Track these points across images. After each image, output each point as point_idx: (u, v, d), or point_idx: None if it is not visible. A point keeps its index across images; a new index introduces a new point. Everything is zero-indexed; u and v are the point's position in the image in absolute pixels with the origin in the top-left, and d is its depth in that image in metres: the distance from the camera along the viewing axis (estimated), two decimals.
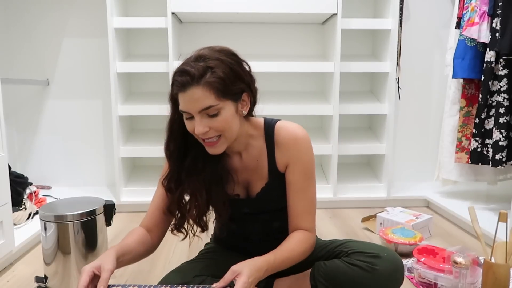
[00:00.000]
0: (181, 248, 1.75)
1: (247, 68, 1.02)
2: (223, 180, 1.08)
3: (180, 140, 1.06)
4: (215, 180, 1.07)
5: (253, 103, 1.06)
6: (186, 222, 1.09)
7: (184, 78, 0.93)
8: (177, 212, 1.10)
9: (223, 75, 0.94)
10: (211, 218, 1.14)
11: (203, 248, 1.30)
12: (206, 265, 1.11)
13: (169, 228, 1.13)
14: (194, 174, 1.05)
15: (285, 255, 1.02)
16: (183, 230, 1.10)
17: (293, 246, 1.04)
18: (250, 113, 1.07)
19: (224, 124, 0.96)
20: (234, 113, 0.99)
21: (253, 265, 0.93)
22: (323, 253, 1.16)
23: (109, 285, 0.91)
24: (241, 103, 1.01)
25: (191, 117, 0.97)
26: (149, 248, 1.09)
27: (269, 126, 1.10)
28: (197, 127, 0.95)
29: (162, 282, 1.06)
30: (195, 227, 1.09)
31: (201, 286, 0.98)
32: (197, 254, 1.26)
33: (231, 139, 1.02)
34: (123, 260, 0.98)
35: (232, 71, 0.96)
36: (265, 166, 1.10)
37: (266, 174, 1.11)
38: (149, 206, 1.13)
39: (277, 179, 1.10)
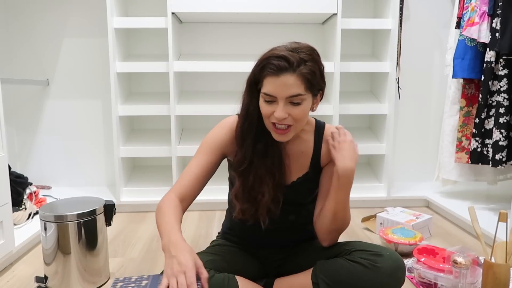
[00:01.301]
0: None
1: (324, 70, 1.09)
2: (284, 167, 1.14)
3: (255, 126, 1.10)
4: (280, 165, 1.13)
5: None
6: (254, 207, 1.11)
7: (282, 63, 0.98)
8: (241, 198, 1.12)
9: (314, 69, 1.02)
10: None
11: (208, 246, 1.31)
12: (211, 259, 1.11)
13: (233, 215, 1.15)
14: (265, 159, 1.10)
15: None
16: (251, 217, 1.12)
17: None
18: None
19: (301, 114, 1.04)
20: (309, 107, 1.07)
21: None
22: (326, 252, 1.17)
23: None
24: (316, 100, 1.09)
25: (272, 102, 1.02)
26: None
27: (320, 125, 1.22)
28: (278, 112, 1.01)
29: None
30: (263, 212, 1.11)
31: None
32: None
33: (299, 130, 1.10)
34: None
35: (319, 69, 1.05)
36: (309, 158, 1.18)
37: (307, 165, 1.18)
38: (183, 175, 1.12)
39: (315, 172, 1.18)
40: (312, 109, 1.10)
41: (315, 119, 1.24)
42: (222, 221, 1.39)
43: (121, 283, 0.95)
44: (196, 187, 1.12)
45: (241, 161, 1.12)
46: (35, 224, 1.82)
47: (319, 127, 1.21)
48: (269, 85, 1.01)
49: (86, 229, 1.34)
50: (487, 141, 1.94)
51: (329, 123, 2.47)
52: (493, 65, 1.88)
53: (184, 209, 1.11)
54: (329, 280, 1.06)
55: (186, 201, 1.11)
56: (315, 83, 1.04)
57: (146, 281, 0.95)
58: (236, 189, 1.13)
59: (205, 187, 1.16)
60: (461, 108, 2.09)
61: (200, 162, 1.13)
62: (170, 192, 1.10)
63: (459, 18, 2.08)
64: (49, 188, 2.51)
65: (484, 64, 1.90)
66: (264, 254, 1.24)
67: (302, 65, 1.00)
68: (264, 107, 1.04)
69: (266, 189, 1.09)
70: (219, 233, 1.37)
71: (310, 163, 1.18)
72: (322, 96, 1.12)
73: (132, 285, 0.94)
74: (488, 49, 1.89)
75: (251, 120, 1.10)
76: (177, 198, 1.08)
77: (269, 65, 1.00)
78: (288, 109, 1.02)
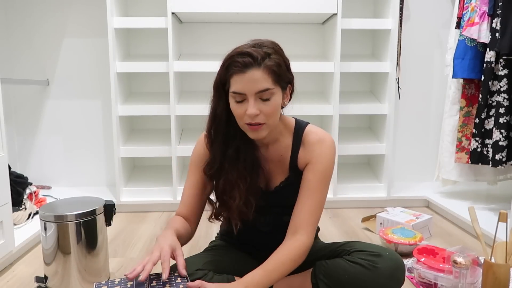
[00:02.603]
0: None
1: (289, 64, 1.09)
2: (259, 171, 1.13)
3: (222, 128, 1.09)
4: (254, 170, 1.11)
5: (290, 99, 1.11)
6: (226, 211, 1.13)
7: (246, 59, 0.98)
8: (215, 201, 1.15)
9: (279, 62, 1.01)
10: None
11: (207, 246, 1.31)
12: (210, 261, 1.12)
13: (208, 217, 1.19)
14: (237, 163, 1.09)
15: (270, 268, 1.03)
16: (221, 218, 1.17)
17: (282, 261, 1.04)
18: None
19: (272, 110, 1.01)
20: (280, 101, 1.04)
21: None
22: (325, 253, 1.17)
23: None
24: (286, 94, 1.07)
25: (242, 100, 1.01)
26: (190, 235, 1.16)
27: (300, 127, 1.15)
28: (250, 108, 0.99)
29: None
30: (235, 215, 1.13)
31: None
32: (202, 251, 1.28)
33: (272, 127, 1.06)
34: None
35: (284, 61, 1.05)
36: (287, 161, 1.15)
37: (287, 169, 1.15)
38: (182, 196, 1.20)
39: (296, 175, 1.14)
40: (283, 104, 1.08)
41: (296, 119, 1.18)
42: (221, 223, 1.38)
43: (105, 287, 0.95)
44: (195, 206, 1.18)
45: (211, 164, 1.12)
46: (35, 224, 1.82)
47: (299, 129, 1.15)
48: (237, 84, 0.99)
49: (86, 229, 1.34)
50: (487, 141, 1.94)
51: (329, 123, 2.49)
52: (493, 65, 1.88)
53: (192, 226, 1.18)
54: (328, 281, 1.06)
55: (190, 220, 1.18)
56: (282, 75, 1.03)
57: (131, 282, 0.95)
58: (208, 193, 1.19)
59: None
60: (461, 108, 2.09)
61: (190, 183, 1.19)
62: (175, 215, 1.19)
63: (459, 18, 2.08)
64: (49, 188, 2.51)
65: (484, 64, 1.90)
66: (263, 256, 1.24)
67: (267, 59, 0.99)
68: (236, 109, 1.02)
69: (237, 194, 1.09)
70: (217, 233, 1.37)
71: (289, 166, 1.15)
72: (292, 90, 1.11)
73: (117, 287, 0.94)
74: (488, 49, 1.89)
75: (218, 121, 1.08)
76: (182, 218, 1.17)
77: (234, 63, 0.99)
78: (259, 106, 1.00)
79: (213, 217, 1.17)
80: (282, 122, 1.14)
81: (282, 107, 1.10)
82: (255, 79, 0.98)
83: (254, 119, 1.01)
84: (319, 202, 1.10)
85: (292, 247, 1.05)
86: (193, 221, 1.18)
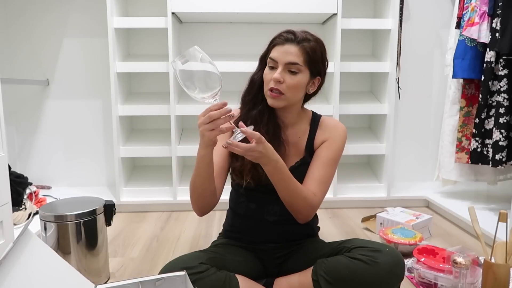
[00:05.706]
0: (181, 248, 1.76)
1: (327, 63, 1.22)
2: (279, 137, 1.19)
3: (254, 91, 1.22)
4: (275, 137, 1.18)
5: (316, 92, 1.25)
6: (240, 163, 1.18)
7: (289, 35, 1.15)
8: (234, 156, 1.20)
9: (316, 48, 1.15)
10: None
11: (210, 245, 1.31)
12: (213, 257, 1.12)
13: (229, 170, 1.25)
14: (258, 123, 1.18)
15: (290, 175, 1.09)
16: (239, 175, 1.20)
17: (299, 185, 1.13)
18: (309, 98, 1.27)
19: (295, 84, 1.14)
20: (305, 85, 1.17)
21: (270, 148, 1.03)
22: (326, 251, 1.18)
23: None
24: (312, 82, 1.20)
25: (274, 68, 1.15)
26: (215, 195, 1.16)
27: (316, 115, 1.31)
28: (276, 74, 1.12)
29: (169, 264, 1.08)
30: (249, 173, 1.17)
31: None
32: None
33: (290, 102, 1.18)
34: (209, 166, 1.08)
35: (321, 52, 1.18)
36: (304, 143, 1.25)
37: (302, 151, 1.24)
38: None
39: (311, 156, 1.24)
40: (308, 91, 1.20)
41: (313, 112, 1.31)
42: (223, 222, 1.39)
43: None
44: (221, 176, 1.20)
45: (237, 120, 1.18)
46: (35, 224, 1.82)
47: (315, 117, 1.29)
48: (275, 52, 1.15)
49: (86, 229, 1.34)
50: (487, 141, 1.94)
51: None
52: (493, 65, 1.88)
53: (218, 195, 1.18)
54: (329, 277, 1.07)
55: (218, 188, 1.18)
56: (315, 61, 1.15)
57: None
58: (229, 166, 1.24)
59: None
60: (461, 108, 2.09)
61: (218, 152, 1.21)
62: None
63: (459, 18, 2.08)
64: (49, 188, 2.50)
65: (484, 64, 1.90)
66: (266, 251, 1.25)
67: (306, 42, 1.13)
68: (267, 74, 1.16)
69: None
70: (220, 233, 1.38)
71: (305, 147, 1.24)
72: (321, 84, 1.22)
73: None
74: (488, 49, 1.89)
75: (252, 85, 1.22)
76: None
77: (279, 37, 1.16)
78: (285, 76, 1.12)
79: (232, 172, 1.24)
80: (302, 110, 1.27)
81: (307, 94, 1.22)
82: (290, 51, 1.12)
83: (276, 85, 1.12)
84: (329, 177, 1.20)
85: (309, 193, 1.14)
86: (219, 191, 1.19)
